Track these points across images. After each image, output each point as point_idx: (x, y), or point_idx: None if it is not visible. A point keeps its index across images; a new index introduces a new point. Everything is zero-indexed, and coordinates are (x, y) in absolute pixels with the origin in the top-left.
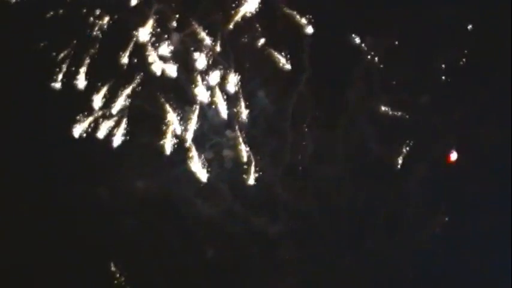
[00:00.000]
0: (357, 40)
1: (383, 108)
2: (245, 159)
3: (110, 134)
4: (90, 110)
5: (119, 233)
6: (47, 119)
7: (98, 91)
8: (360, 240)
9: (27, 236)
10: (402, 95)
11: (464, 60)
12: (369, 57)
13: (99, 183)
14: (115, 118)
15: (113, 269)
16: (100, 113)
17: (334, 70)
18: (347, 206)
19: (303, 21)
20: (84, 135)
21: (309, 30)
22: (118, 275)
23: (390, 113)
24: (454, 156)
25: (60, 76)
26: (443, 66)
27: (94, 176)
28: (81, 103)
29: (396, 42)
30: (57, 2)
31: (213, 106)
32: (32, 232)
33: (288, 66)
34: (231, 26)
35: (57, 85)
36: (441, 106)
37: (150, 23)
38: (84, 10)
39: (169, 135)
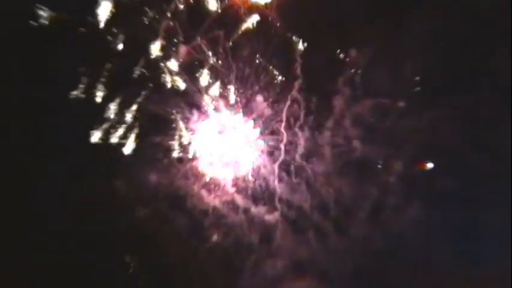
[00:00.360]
0: (341, 54)
1: (365, 112)
2: (245, 156)
3: (126, 136)
4: (108, 116)
5: (133, 221)
6: (74, 124)
7: (114, 99)
8: (346, 227)
9: (54, 223)
10: (381, 100)
11: (433, 72)
12: (351, 68)
13: (117, 178)
14: (130, 121)
15: (127, 254)
16: (117, 117)
17: (322, 79)
18: (334, 197)
19: (295, 38)
20: (104, 137)
21: (300, 45)
22: (132, 259)
23: (371, 116)
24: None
25: (82, 86)
26: (415, 77)
27: (112, 172)
28: (100, 110)
29: (375, 56)
30: (80, 23)
31: (216, 110)
32: (59, 221)
33: (281, 77)
34: (231, 41)
35: (81, 95)
36: (415, 110)
37: (160, 38)
38: (102, 29)
39: (177, 135)
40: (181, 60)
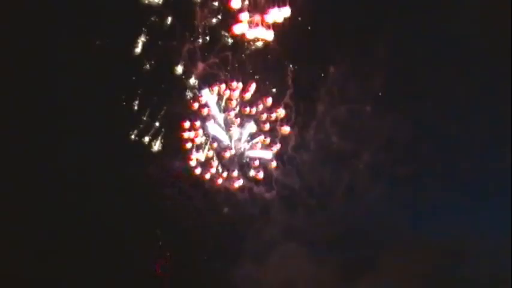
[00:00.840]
0: (322, 70)
1: (340, 114)
2: (248, 148)
3: (157, 132)
4: (143, 118)
5: (161, 198)
6: (117, 127)
7: (147, 107)
8: (326, 203)
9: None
10: (353, 105)
11: (394, 83)
12: (330, 81)
13: (148, 164)
14: (160, 121)
15: (157, 228)
16: (149, 119)
17: (308, 89)
18: (317, 180)
19: (287, 58)
20: (139, 134)
21: (291, 64)
22: (160, 228)
23: (345, 118)
24: None
25: (125, 98)
26: (379, 89)
27: (145, 160)
28: (138, 114)
29: (347, 72)
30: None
31: (226, 112)
32: (103, 197)
33: (274, 90)
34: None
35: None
36: (378, 113)
37: (183, 58)
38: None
39: (197, 131)
40: (199, 75)
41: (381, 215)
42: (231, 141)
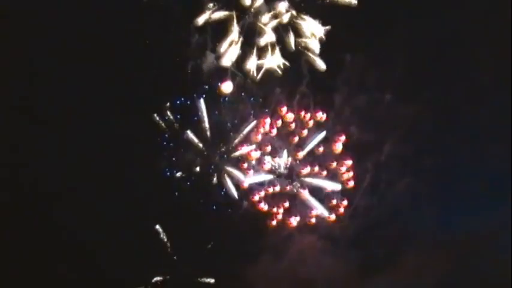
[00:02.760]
0: (340, 57)
1: (360, 104)
2: (267, 139)
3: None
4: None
5: (176, 193)
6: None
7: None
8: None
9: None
10: (373, 95)
11: (414, 73)
12: (349, 69)
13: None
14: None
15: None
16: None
17: (325, 78)
18: (338, 173)
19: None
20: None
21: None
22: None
23: (365, 107)
24: None
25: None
26: (400, 75)
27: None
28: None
29: (367, 59)
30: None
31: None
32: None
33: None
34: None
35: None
36: (400, 102)
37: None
38: None
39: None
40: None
41: (404, 209)
42: None
